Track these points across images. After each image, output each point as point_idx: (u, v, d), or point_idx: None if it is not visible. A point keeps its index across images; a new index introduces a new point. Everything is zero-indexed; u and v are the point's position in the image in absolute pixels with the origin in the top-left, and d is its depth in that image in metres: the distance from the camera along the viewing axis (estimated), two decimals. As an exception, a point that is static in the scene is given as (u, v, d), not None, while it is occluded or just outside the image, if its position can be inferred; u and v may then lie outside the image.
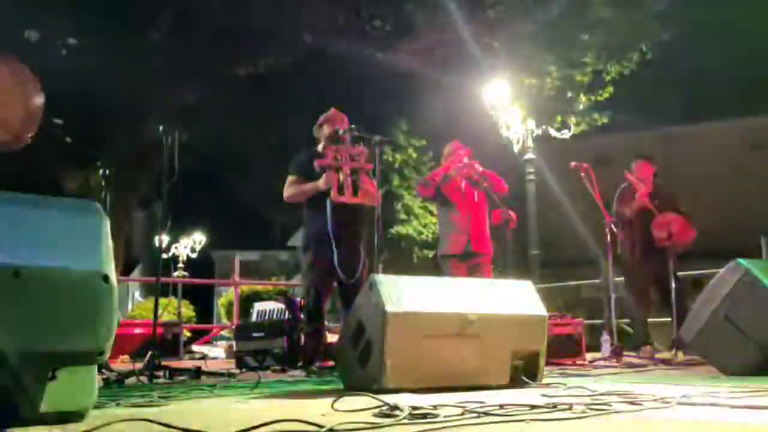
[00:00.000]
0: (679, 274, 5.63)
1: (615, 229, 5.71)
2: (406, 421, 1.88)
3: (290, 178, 4.59)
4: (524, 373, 3.16)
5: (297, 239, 21.46)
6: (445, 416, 1.93)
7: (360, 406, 2.14)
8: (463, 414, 1.97)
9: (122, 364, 5.74)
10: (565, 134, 11.01)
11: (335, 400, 2.19)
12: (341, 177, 4.39)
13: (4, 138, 2.95)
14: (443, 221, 5.68)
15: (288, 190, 4.60)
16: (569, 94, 11.41)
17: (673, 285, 5.41)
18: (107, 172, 4.39)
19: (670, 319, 5.56)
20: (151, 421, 1.77)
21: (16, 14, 8.56)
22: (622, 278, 6.12)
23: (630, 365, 4.86)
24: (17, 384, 1.73)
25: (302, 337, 4.83)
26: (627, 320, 6.57)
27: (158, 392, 2.78)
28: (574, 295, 12.19)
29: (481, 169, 5.51)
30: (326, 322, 4.66)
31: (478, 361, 3.03)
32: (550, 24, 10.83)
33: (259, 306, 5.83)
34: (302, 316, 4.91)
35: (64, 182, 10.28)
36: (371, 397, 2.23)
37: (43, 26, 9.70)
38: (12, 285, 1.75)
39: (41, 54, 9.27)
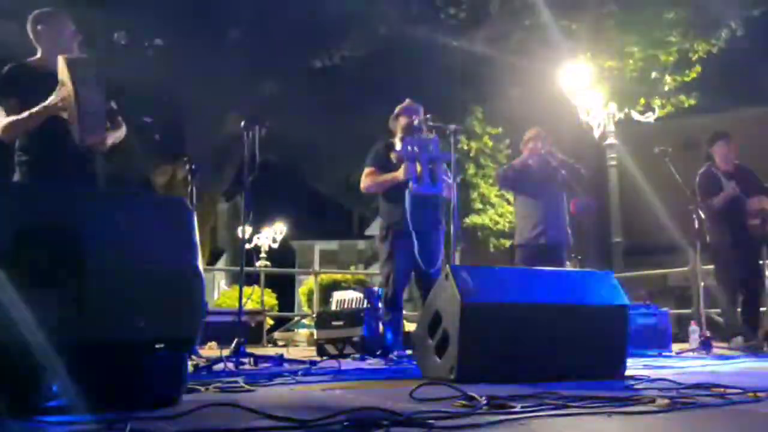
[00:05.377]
0: (773, 262, 5.36)
1: (702, 216, 5.48)
2: (483, 411, 1.88)
3: (367, 170, 4.67)
4: (605, 365, 3.09)
5: (373, 229, 21.65)
6: (522, 407, 1.92)
7: (438, 395, 2.16)
8: (541, 405, 1.95)
9: (210, 350, 5.99)
10: (650, 117, 10.61)
11: (413, 390, 2.22)
12: (419, 168, 4.42)
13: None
14: (521, 210, 5.61)
15: (365, 181, 4.68)
16: (653, 75, 10.95)
17: (767, 274, 5.16)
18: (193, 166, 4.56)
19: (763, 309, 5.31)
20: (238, 406, 1.85)
21: (104, 17, 9.02)
22: (711, 266, 5.87)
23: (719, 357, 4.68)
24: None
25: (381, 326, 4.91)
26: (717, 310, 6.30)
27: (244, 378, 2.88)
28: (660, 283, 11.77)
29: (560, 156, 5.41)
30: (404, 311, 4.71)
31: (556, 352, 2.99)
32: (631, 3, 10.42)
33: (338, 295, 5.93)
34: (380, 305, 4.98)
35: (153, 177, 10.77)
36: (449, 386, 2.25)
37: (130, 28, 10.17)
38: (115, 278, 1.88)
39: (129, 55, 9.75)
